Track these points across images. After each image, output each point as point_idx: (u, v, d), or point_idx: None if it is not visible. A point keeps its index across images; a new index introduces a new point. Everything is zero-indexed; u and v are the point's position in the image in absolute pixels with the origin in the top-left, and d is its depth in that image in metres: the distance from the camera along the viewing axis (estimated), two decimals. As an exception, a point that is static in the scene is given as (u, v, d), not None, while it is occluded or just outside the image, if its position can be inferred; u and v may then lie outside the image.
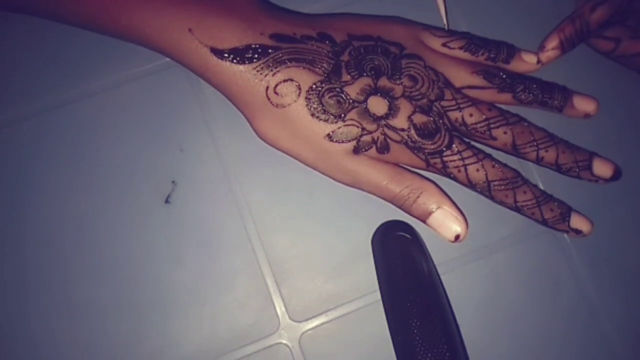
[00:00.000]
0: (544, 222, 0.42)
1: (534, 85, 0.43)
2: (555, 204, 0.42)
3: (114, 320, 0.43)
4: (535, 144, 0.42)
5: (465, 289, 0.45)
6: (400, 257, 0.43)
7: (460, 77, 0.43)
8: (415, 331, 0.41)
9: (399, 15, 0.46)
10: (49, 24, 0.43)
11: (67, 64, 0.46)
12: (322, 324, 0.44)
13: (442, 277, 0.44)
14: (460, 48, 0.43)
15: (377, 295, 0.44)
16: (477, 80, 0.43)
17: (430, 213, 0.41)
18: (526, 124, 0.42)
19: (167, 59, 0.44)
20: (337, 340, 0.44)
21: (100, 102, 0.46)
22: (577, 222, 0.43)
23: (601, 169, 0.43)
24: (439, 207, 0.41)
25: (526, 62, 0.44)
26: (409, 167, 0.42)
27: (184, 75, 0.45)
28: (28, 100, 0.45)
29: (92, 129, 0.45)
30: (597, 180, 0.43)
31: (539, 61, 0.44)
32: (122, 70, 0.46)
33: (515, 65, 0.44)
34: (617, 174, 0.43)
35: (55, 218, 0.44)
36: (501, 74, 0.43)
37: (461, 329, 0.44)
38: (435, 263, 0.44)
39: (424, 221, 0.42)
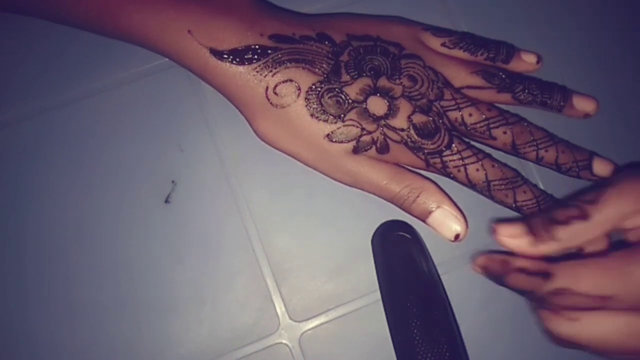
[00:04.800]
0: (544, 222, 0.42)
1: (534, 85, 0.43)
2: (556, 204, 0.42)
3: (114, 320, 0.43)
4: (535, 143, 0.42)
5: (465, 289, 0.45)
6: (400, 257, 0.43)
7: (460, 77, 0.43)
8: (415, 331, 0.41)
9: (399, 15, 0.46)
10: (49, 24, 0.43)
11: (67, 64, 0.46)
12: (322, 324, 0.44)
13: (442, 277, 0.44)
14: (460, 48, 0.43)
15: (377, 295, 0.44)
16: (477, 80, 0.43)
17: (430, 212, 0.41)
18: (526, 123, 0.42)
19: (167, 59, 0.44)
20: (337, 340, 0.44)
21: (100, 102, 0.46)
22: None
23: (601, 168, 0.43)
24: (438, 207, 0.41)
25: (526, 62, 0.44)
26: (409, 167, 0.42)
27: (184, 75, 0.45)
28: (28, 100, 0.45)
29: (92, 129, 0.45)
30: (598, 180, 0.43)
31: (538, 61, 0.44)
32: (122, 70, 0.46)
33: (515, 65, 0.44)
34: (617, 174, 0.43)
35: (55, 218, 0.44)
36: (500, 74, 0.43)
37: (461, 329, 0.44)
38: (435, 263, 0.44)
39: (423, 220, 0.42)
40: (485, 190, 0.42)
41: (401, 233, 0.43)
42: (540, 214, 0.37)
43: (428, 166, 0.42)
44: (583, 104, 0.44)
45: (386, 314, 0.43)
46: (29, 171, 0.45)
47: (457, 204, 0.42)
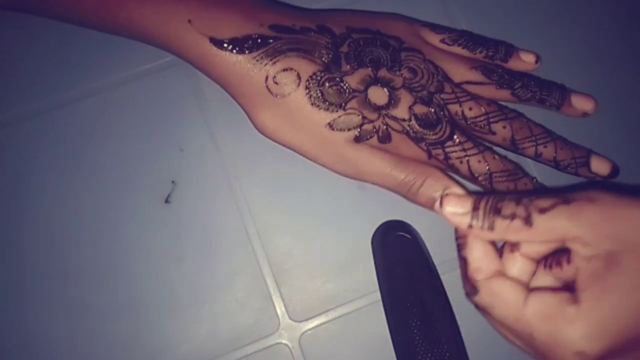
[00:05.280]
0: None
1: (532, 83, 0.43)
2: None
3: (113, 320, 0.43)
4: (534, 139, 0.42)
5: (465, 289, 0.45)
6: (400, 257, 0.43)
7: (459, 72, 0.43)
8: (415, 331, 0.41)
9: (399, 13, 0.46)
10: (49, 23, 0.43)
11: (67, 64, 0.46)
12: (322, 324, 0.44)
13: (442, 277, 0.44)
14: (459, 45, 0.44)
15: (377, 295, 0.44)
16: (476, 76, 0.43)
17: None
18: (525, 119, 0.43)
19: (167, 58, 0.44)
20: (337, 340, 0.44)
21: (100, 102, 0.46)
22: None
23: (599, 165, 0.43)
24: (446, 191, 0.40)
25: (524, 61, 0.44)
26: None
27: (184, 75, 0.45)
28: (28, 100, 0.45)
29: (92, 129, 0.45)
30: (595, 177, 0.43)
31: (537, 60, 0.44)
32: (122, 70, 0.46)
33: (514, 64, 0.44)
34: (614, 172, 0.43)
35: (54, 218, 0.44)
36: (500, 70, 0.43)
37: (461, 329, 0.43)
38: (435, 263, 0.44)
39: (431, 208, 0.40)
40: (487, 182, 0.41)
41: (401, 233, 0.43)
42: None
43: (430, 157, 0.42)
44: (581, 103, 0.44)
45: (386, 314, 0.43)
46: (29, 171, 0.45)
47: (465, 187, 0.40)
